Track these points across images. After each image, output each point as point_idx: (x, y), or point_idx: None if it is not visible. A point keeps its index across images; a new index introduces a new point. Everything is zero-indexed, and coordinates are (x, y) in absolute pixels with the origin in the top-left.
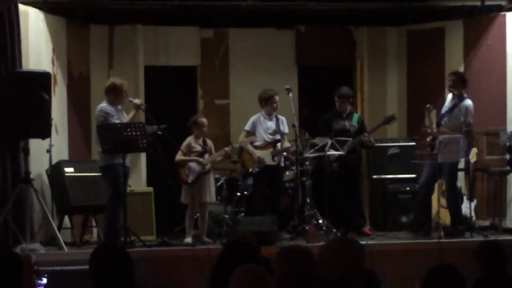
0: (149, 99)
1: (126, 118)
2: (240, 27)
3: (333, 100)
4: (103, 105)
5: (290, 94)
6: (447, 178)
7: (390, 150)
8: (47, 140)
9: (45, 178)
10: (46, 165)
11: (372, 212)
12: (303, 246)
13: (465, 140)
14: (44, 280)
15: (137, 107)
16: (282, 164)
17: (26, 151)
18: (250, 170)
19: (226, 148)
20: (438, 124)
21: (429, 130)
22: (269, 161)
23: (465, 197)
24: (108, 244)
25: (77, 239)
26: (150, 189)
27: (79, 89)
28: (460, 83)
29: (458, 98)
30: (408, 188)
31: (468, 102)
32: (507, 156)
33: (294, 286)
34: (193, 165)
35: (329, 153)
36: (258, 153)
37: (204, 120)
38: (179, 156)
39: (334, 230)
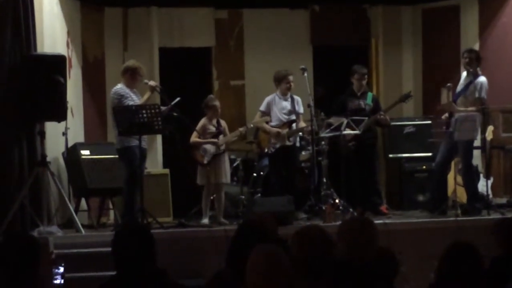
0: (164, 81)
1: (141, 100)
2: (255, 7)
3: (349, 79)
4: (118, 87)
5: (305, 74)
6: (463, 156)
7: (406, 128)
8: (63, 123)
9: (61, 161)
10: (62, 148)
11: (389, 191)
12: (320, 226)
13: (480, 118)
14: (61, 269)
15: (152, 89)
16: (298, 144)
17: (42, 134)
18: (266, 150)
19: (241, 129)
20: (454, 103)
21: (445, 107)
22: (285, 140)
23: (481, 175)
24: (132, 224)
25: (94, 222)
26: (167, 170)
27: (94, 71)
28: (476, 61)
29: (473, 76)
30: (424, 167)
31: (483, 78)
32: None
33: (311, 267)
34: (208, 146)
35: (345, 132)
36: (275, 130)
37: (216, 103)
38: (194, 138)
39: (351, 210)
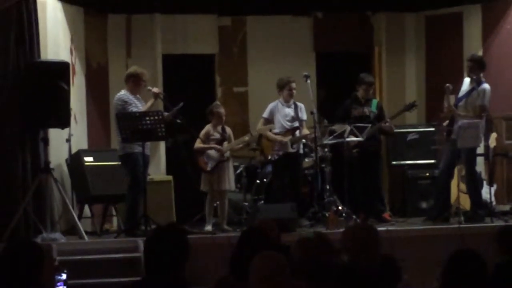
0: (167, 88)
1: (144, 106)
2: (258, 14)
3: (353, 86)
4: (121, 93)
5: (308, 81)
6: (466, 163)
7: (409, 136)
8: (66, 129)
9: (64, 167)
10: (65, 155)
11: (392, 198)
12: (323, 233)
13: (484, 125)
14: (64, 276)
15: (156, 95)
16: (301, 151)
17: (46, 141)
18: (269, 157)
19: (246, 137)
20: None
21: (445, 110)
22: (288, 148)
23: (485, 182)
24: (171, 225)
25: (97, 228)
26: (170, 177)
27: (98, 78)
28: (478, 68)
29: (477, 82)
30: (427, 174)
31: (486, 86)
32: None
33: (314, 273)
34: (212, 152)
35: (348, 139)
36: (279, 138)
37: (221, 110)
38: (198, 144)
39: (354, 217)
